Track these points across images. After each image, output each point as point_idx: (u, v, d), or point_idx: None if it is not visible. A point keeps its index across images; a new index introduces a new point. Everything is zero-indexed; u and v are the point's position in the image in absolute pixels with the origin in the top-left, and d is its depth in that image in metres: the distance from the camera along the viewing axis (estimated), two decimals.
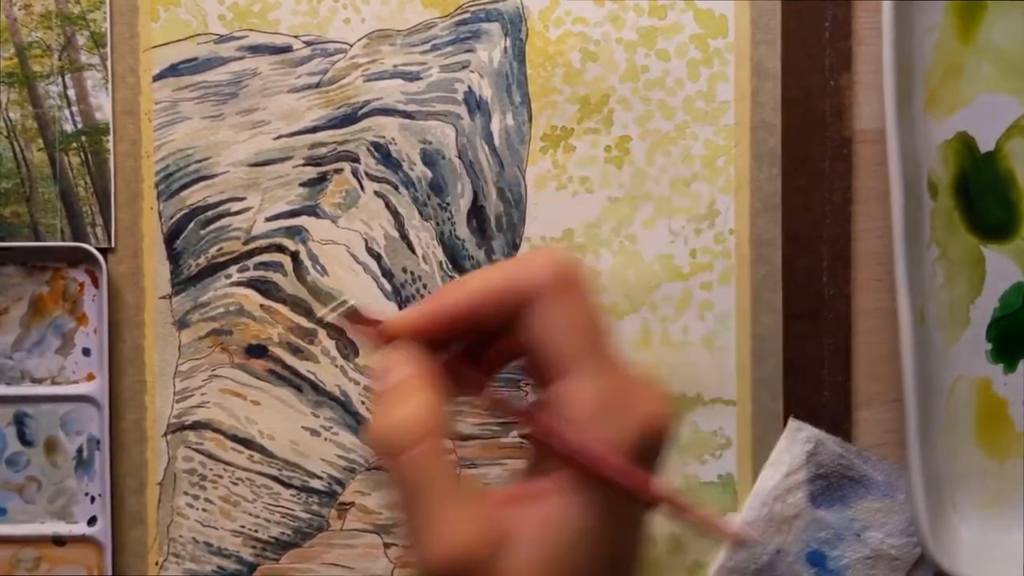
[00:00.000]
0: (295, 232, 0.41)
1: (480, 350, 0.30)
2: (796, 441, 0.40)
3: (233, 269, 0.41)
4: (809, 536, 0.41)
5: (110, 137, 0.41)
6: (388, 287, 0.41)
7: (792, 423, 0.41)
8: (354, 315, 0.33)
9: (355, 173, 0.41)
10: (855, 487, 0.41)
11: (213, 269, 0.41)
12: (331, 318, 0.33)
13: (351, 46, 0.41)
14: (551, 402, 0.28)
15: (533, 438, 0.28)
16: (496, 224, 0.41)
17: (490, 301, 0.28)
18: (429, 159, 0.41)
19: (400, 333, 0.29)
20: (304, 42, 0.41)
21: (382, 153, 0.41)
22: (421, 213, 0.41)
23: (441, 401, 0.28)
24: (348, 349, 0.41)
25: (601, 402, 0.27)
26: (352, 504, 0.42)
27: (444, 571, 0.27)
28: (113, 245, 0.42)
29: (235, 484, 0.42)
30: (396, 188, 0.41)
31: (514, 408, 0.30)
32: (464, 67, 0.41)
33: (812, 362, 0.41)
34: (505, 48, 0.41)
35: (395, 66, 0.41)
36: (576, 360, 0.27)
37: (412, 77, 0.41)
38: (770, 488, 0.41)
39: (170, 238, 0.41)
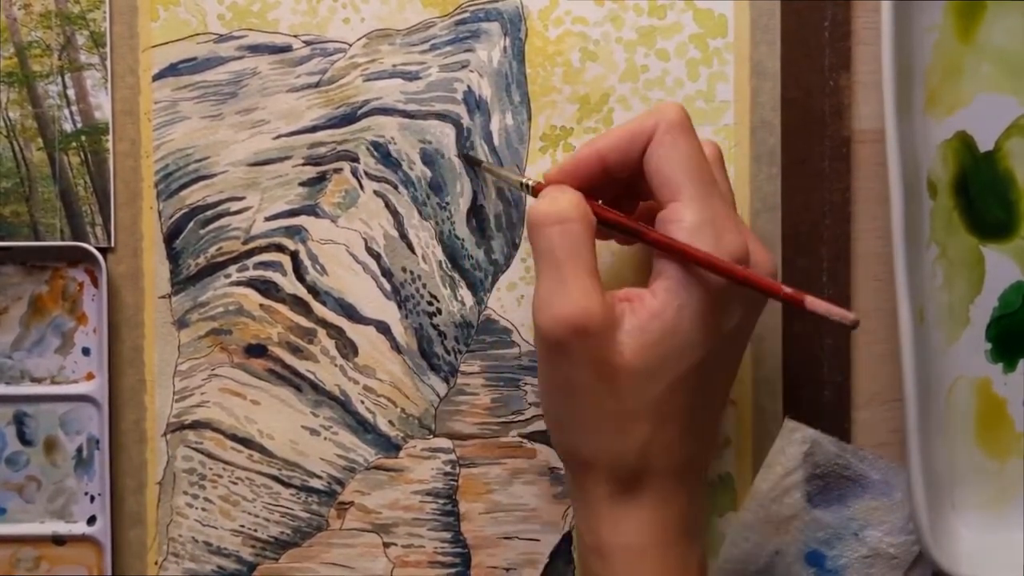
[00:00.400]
0: (294, 232, 0.41)
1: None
2: (792, 442, 0.40)
3: (232, 269, 0.41)
4: (807, 536, 0.41)
5: (110, 137, 0.41)
6: (387, 286, 0.41)
7: (788, 423, 0.41)
8: (538, 189, 0.36)
9: (354, 172, 0.41)
10: (852, 486, 0.41)
11: (212, 269, 0.41)
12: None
13: (350, 46, 0.41)
14: (661, 222, 0.33)
15: (650, 240, 0.33)
16: (495, 223, 0.41)
17: (622, 146, 0.34)
18: (428, 158, 0.41)
19: (557, 177, 0.35)
20: (304, 42, 0.41)
21: (381, 152, 0.41)
22: (420, 212, 0.41)
23: (589, 208, 0.34)
24: (347, 349, 0.41)
25: (700, 224, 0.32)
26: (351, 503, 0.42)
27: (566, 330, 0.32)
28: (113, 245, 0.42)
29: (234, 483, 0.42)
30: (395, 187, 0.41)
31: (632, 223, 0.34)
32: (464, 67, 0.41)
33: (812, 362, 0.41)
34: (505, 48, 0.41)
35: (394, 66, 0.41)
36: (680, 188, 0.33)
37: (411, 77, 0.41)
38: (767, 489, 0.41)
39: (170, 238, 0.41)
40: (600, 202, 0.35)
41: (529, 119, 0.41)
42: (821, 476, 0.41)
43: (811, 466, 0.41)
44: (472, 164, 0.41)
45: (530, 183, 0.37)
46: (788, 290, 0.32)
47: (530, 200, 0.37)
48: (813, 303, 0.31)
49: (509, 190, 0.41)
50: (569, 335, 0.32)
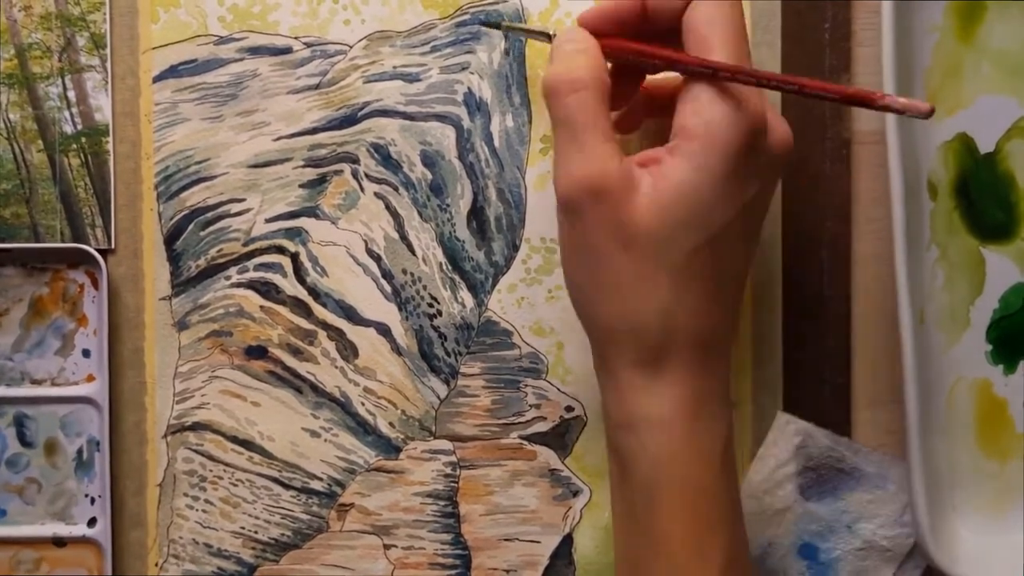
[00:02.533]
0: (295, 233, 0.41)
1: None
2: (785, 434, 0.40)
3: (233, 270, 0.41)
4: (800, 529, 0.41)
5: (110, 138, 0.41)
6: (388, 288, 0.41)
7: (780, 416, 0.41)
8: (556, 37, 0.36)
9: (355, 174, 0.41)
10: (845, 479, 0.41)
11: (213, 270, 0.41)
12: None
13: (351, 47, 0.41)
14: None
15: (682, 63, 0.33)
16: (496, 225, 0.41)
17: None
18: (429, 160, 0.41)
19: (590, 23, 0.35)
20: (304, 43, 0.41)
21: (382, 154, 0.41)
22: (421, 214, 0.41)
23: (606, 67, 0.34)
24: (348, 350, 0.41)
25: (722, 88, 0.32)
26: (352, 505, 0.42)
27: (584, 192, 0.33)
28: (113, 246, 0.42)
29: (235, 485, 0.42)
30: (396, 189, 0.41)
31: (664, 53, 0.34)
32: (464, 68, 0.41)
33: (812, 363, 0.41)
34: (505, 50, 0.41)
35: (395, 67, 0.41)
36: (717, 48, 0.32)
37: (412, 78, 0.41)
38: (759, 481, 0.41)
39: (170, 239, 0.41)
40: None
41: (529, 121, 0.41)
42: (814, 468, 0.41)
43: (804, 458, 0.41)
44: (492, 26, 0.40)
45: (552, 33, 0.36)
46: (855, 87, 0.32)
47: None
48: (886, 97, 0.31)
49: (509, 191, 0.41)
50: (587, 197, 0.33)
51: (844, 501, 0.41)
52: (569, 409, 0.41)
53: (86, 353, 0.42)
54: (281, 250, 0.41)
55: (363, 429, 0.42)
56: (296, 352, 0.41)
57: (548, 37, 0.37)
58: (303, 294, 0.41)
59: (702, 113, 0.32)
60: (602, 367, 0.35)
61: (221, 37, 0.41)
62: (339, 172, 0.41)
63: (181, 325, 0.42)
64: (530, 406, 0.41)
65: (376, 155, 0.41)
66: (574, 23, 0.36)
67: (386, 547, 0.42)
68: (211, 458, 0.42)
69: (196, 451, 0.42)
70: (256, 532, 0.42)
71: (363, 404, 0.42)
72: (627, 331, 0.34)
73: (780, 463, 0.41)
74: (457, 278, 0.41)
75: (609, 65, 0.35)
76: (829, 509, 0.41)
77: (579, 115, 0.33)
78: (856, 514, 0.41)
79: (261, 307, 0.41)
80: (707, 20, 0.33)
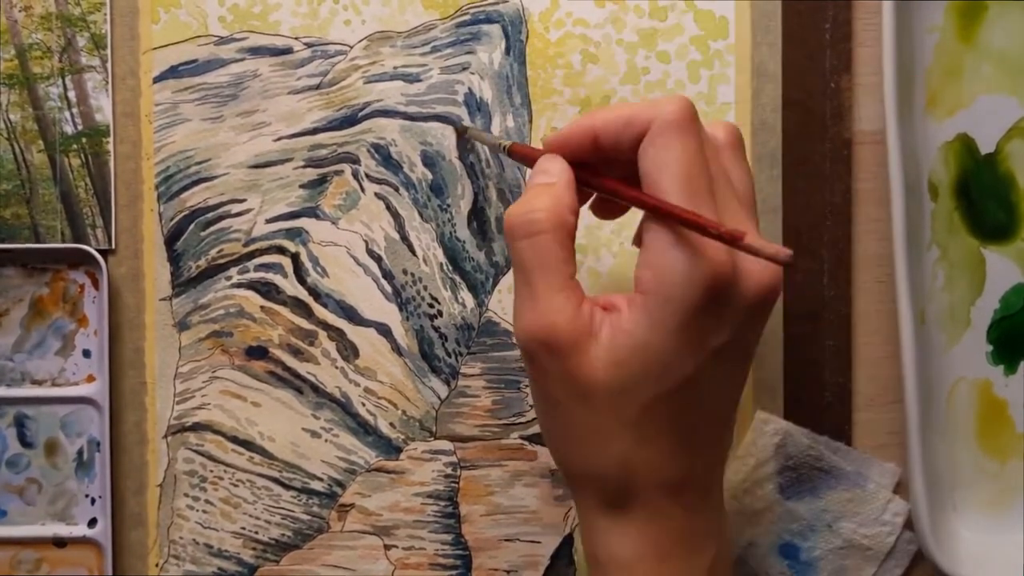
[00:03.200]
0: (295, 234, 0.41)
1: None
2: (763, 433, 0.40)
3: (233, 271, 0.41)
4: (780, 528, 0.41)
5: (110, 139, 0.41)
6: (388, 288, 0.41)
7: (759, 415, 0.41)
8: (514, 148, 0.36)
9: (355, 175, 0.41)
10: (825, 478, 0.41)
11: (213, 271, 0.41)
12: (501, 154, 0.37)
13: (351, 48, 0.41)
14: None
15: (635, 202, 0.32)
16: (496, 226, 0.41)
17: (614, 129, 0.32)
18: (429, 161, 0.41)
19: (552, 146, 0.34)
20: (304, 44, 0.41)
21: (382, 155, 0.41)
22: (421, 215, 0.41)
23: (575, 206, 0.33)
24: (348, 351, 0.41)
25: (679, 238, 0.30)
26: (352, 506, 0.42)
27: (535, 344, 0.32)
28: (113, 247, 0.42)
29: (235, 486, 0.42)
30: (396, 190, 0.41)
31: (646, 198, 0.32)
32: (464, 69, 0.41)
33: (813, 364, 0.41)
34: (505, 50, 0.41)
35: (395, 68, 0.41)
36: (669, 195, 0.30)
37: (412, 79, 0.41)
38: (739, 481, 0.41)
39: (170, 240, 0.41)
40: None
41: (530, 121, 0.41)
42: (794, 468, 0.41)
43: (783, 458, 0.40)
44: (459, 133, 0.40)
45: (505, 145, 0.36)
46: (726, 227, 0.29)
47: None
48: (751, 240, 0.28)
49: (510, 192, 0.41)
50: (540, 348, 0.32)
51: (824, 500, 0.41)
52: None
53: (86, 353, 0.42)
54: (282, 250, 0.41)
55: (363, 429, 0.42)
56: (296, 352, 0.41)
57: (500, 147, 0.36)
58: (304, 294, 0.41)
59: (655, 265, 0.30)
60: (574, 502, 0.35)
61: (221, 37, 0.41)
62: (340, 172, 0.41)
63: (182, 325, 0.42)
64: (530, 406, 0.41)
65: (376, 155, 0.41)
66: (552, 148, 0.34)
67: (387, 547, 0.42)
68: (211, 458, 0.42)
69: (196, 451, 0.42)
70: (256, 532, 0.42)
71: (364, 404, 0.42)
72: (588, 476, 0.33)
73: (760, 463, 0.41)
74: (458, 278, 0.41)
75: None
76: (809, 508, 0.41)
77: (533, 261, 0.32)
78: (836, 513, 0.41)
79: (262, 307, 0.41)
80: (656, 166, 0.31)
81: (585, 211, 0.41)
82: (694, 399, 0.32)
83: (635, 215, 0.33)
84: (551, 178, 0.33)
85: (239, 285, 0.41)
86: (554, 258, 0.32)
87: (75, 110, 0.41)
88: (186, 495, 0.42)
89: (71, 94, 0.41)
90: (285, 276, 0.41)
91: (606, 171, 0.33)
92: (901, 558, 0.41)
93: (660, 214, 0.30)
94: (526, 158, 0.36)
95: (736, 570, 0.41)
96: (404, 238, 0.41)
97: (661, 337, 0.30)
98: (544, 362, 0.32)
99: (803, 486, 0.41)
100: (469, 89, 0.41)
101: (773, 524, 0.41)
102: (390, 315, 0.41)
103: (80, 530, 0.42)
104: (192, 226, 0.41)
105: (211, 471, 0.42)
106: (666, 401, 0.31)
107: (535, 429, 0.41)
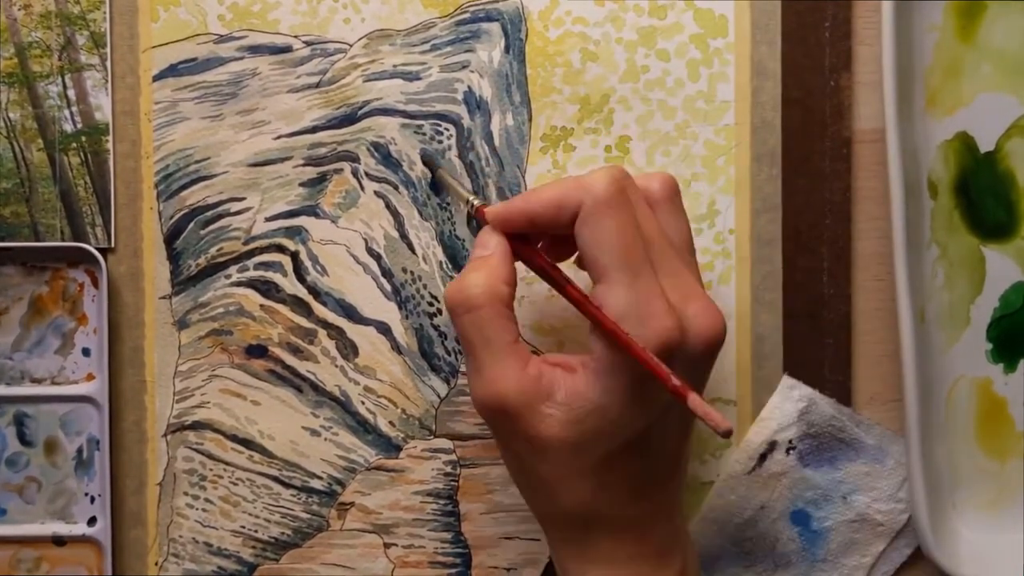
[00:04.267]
0: (295, 232, 0.41)
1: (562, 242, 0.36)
2: (789, 398, 0.40)
3: (233, 269, 0.41)
4: (795, 495, 0.41)
5: (110, 137, 0.41)
6: (388, 287, 0.41)
7: (786, 380, 0.41)
8: (480, 211, 0.36)
9: (355, 173, 0.41)
10: (845, 449, 0.41)
11: (213, 269, 0.41)
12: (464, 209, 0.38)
13: (351, 46, 0.41)
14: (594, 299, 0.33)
15: (581, 307, 0.33)
16: None
17: (548, 213, 0.33)
18: (429, 159, 0.41)
19: (490, 220, 0.35)
20: (304, 42, 0.41)
21: (382, 153, 0.41)
22: (421, 213, 0.41)
23: (510, 277, 0.34)
24: (348, 349, 0.41)
25: (623, 310, 0.32)
26: (352, 504, 0.42)
27: (488, 411, 0.34)
28: (113, 245, 0.42)
29: (235, 484, 0.42)
30: (396, 188, 0.41)
31: (571, 290, 0.34)
32: (464, 67, 0.41)
33: (812, 362, 0.41)
34: (505, 48, 0.41)
35: (395, 66, 0.41)
36: (604, 272, 0.32)
37: (412, 77, 0.41)
38: (758, 443, 0.41)
39: (170, 238, 0.41)
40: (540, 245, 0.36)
41: (530, 119, 0.41)
42: (815, 436, 0.41)
43: (806, 424, 0.40)
44: (431, 168, 0.41)
45: (474, 204, 0.37)
46: (676, 382, 0.31)
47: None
48: (694, 401, 0.31)
49: (509, 190, 0.41)
50: (493, 415, 0.34)
51: (841, 471, 0.41)
52: None
53: (86, 352, 0.42)
54: (281, 249, 0.41)
55: (363, 428, 0.42)
56: (296, 351, 0.41)
57: (468, 203, 0.37)
58: (303, 293, 0.41)
59: (604, 338, 0.32)
60: (544, 533, 0.37)
61: (221, 36, 0.41)
62: (339, 171, 0.41)
63: (181, 324, 0.42)
64: None
65: (376, 154, 0.41)
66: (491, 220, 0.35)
67: (386, 546, 0.42)
68: (211, 457, 0.42)
69: (196, 450, 0.42)
70: (256, 531, 0.42)
71: (363, 403, 0.41)
72: (553, 516, 0.36)
73: (782, 426, 0.40)
74: (457, 277, 0.41)
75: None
76: (826, 478, 0.41)
77: (475, 335, 0.33)
78: (852, 485, 0.41)
79: (261, 306, 0.41)
80: (592, 244, 0.32)
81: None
82: (648, 446, 0.34)
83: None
84: (486, 251, 0.35)
85: (239, 283, 0.41)
86: (494, 329, 0.33)
87: (74, 108, 0.41)
88: (186, 493, 0.42)
89: (70, 92, 0.41)
90: (285, 274, 0.41)
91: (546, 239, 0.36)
92: (911, 538, 0.41)
93: (606, 333, 0.32)
94: (480, 220, 0.37)
95: (745, 531, 0.41)
96: (404, 236, 0.41)
97: (615, 399, 0.32)
98: (501, 425, 0.34)
99: (822, 455, 0.41)
100: (469, 87, 0.41)
101: (788, 490, 0.41)
102: (390, 313, 0.41)
103: (80, 529, 0.42)
104: (192, 224, 0.41)
105: (211, 469, 0.42)
106: (621, 452, 0.33)
107: None
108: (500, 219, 0.35)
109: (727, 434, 0.30)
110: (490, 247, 0.35)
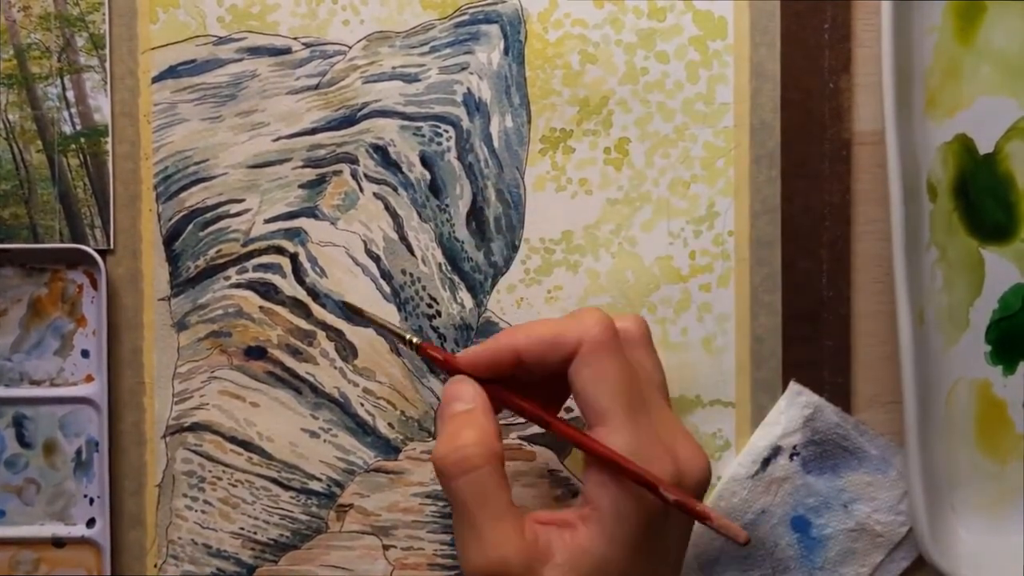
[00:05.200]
0: (294, 234, 0.41)
1: (543, 383, 0.35)
2: (795, 404, 0.40)
3: (232, 271, 0.41)
4: (796, 501, 0.41)
5: (109, 139, 0.41)
6: (387, 289, 0.41)
7: (793, 386, 0.41)
8: (423, 347, 0.36)
9: (354, 175, 0.41)
10: (848, 458, 0.41)
11: (212, 271, 0.41)
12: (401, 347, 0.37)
13: (350, 48, 0.41)
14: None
15: (576, 443, 0.33)
16: (495, 226, 0.41)
17: (539, 350, 0.32)
18: (428, 161, 0.41)
19: (465, 368, 0.34)
20: (303, 44, 0.41)
21: (381, 155, 0.41)
22: (420, 215, 0.41)
23: (498, 430, 0.33)
24: (347, 351, 0.41)
25: (629, 454, 0.31)
26: (351, 506, 0.42)
27: None
28: (112, 247, 0.42)
29: (234, 486, 0.42)
30: (395, 190, 0.41)
31: (568, 429, 0.33)
32: (463, 69, 0.41)
33: (811, 364, 0.41)
34: (504, 50, 0.41)
35: (394, 68, 0.41)
36: (606, 415, 0.32)
37: (411, 79, 0.41)
38: (763, 447, 0.41)
39: (169, 240, 0.41)
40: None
41: (529, 121, 0.41)
42: (818, 443, 0.41)
43: (810, 431, 0.40)
44: (354, 313, 0.40)
45: (415, 342, 0.36)
46: (698, 506, 0.32)
47: (449, 388, 0.35)
48: (719, 520, 0.31)
49: (508, 192, 0.41)
50: None
51: (843, 480, 0.41)
52: (568, 410, 0.41)
53: (85, 353, 0.42)
54: (280, 250, 0.41)
55: (362, 430, 0.42)
56: (295, 353, 0.41)
57: (406, 342, 0.36)
58: (302, 294, 0.41)
59: (606, 484, 0.32)
60: None
61: (220, 37, 0.41)
62: (338, 172, 0.41)
63: (180, 326, 0.42)
64: None
65: (375, 155, 0.41)
66: (461, 374, 0.34)
67: (385, 548, 0.42)
68: (210, 459, 0.42)
69: (195, 452, 0.42)
70: (255, 533, 0.42)
71: (362, 405, 0.41)
72: None
73: (787, 432, 0.40)
74: (456, 279, 0.41)
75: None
76: (827, 485, 0.41)
77: (473, 499, 0.32)
78: (853, 494, 0.41)
79: (260, 308, 0.41)
80: (593, 387, 0.32)
81: (583, 210, 0.41)
82: (653, 566, 0.33)
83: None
84: (468, 404, 0.33)
85: (238, 285, 0.41)
86: (492, 490, 0.32)
87: (74, 110, 0.41)
88: (185, 495, 0.42)
89: (70, 94, 0.41)
90: (284, 276, 0.41)
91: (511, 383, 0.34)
92: (909, 550, 0.41)
93: (615, 467, 0.32)
94: (434, 361, 0.36)
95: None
96: (403, 238, 0.41)
97: (619, 550, 0.32)
98: None
99: (825, 462, 0.41)
100: (468, 89, 0.41)
101: (789, 495, 0.41)
102: (389, 315, 0.41)
103: (78, 530, 0.42)
104: (191, 226, 0.41)
105: (210, 471, 0.42)
106: None
107: (533, 430, 0.41)
108: (481, 363, 0.34)
109: (746, 542, 0.31)
110: (468, 399, 0.34)
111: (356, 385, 0.41)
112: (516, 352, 0.33)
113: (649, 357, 0.35)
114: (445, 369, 0.35)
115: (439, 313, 0.41)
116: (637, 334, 0.35)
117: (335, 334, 0.41)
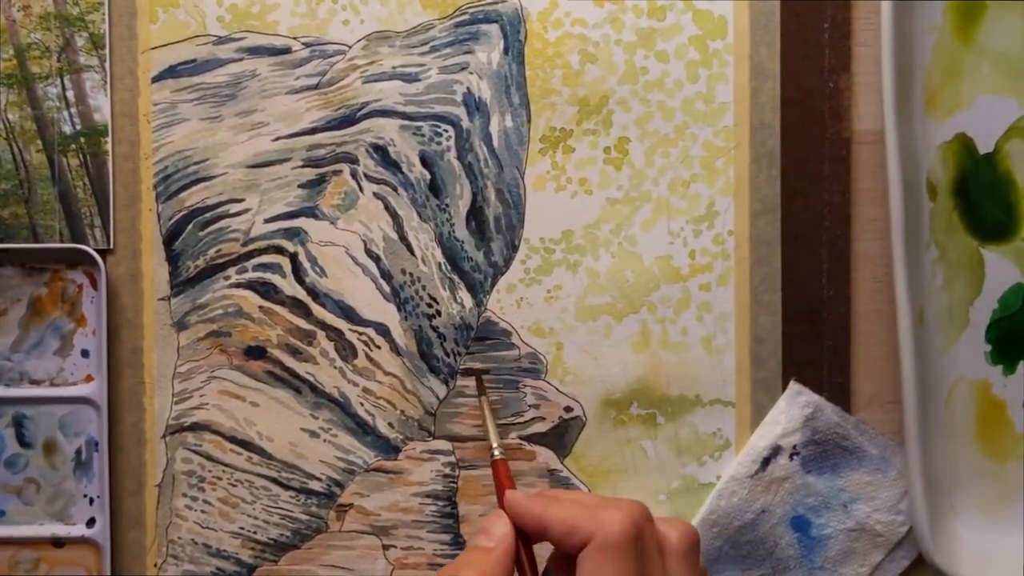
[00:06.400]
0: (294, 234, 0.41)
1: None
2: (795, 404, 0.40)
3: (232, 271, 0.41)
4: (796, 500, 0.41)
5: (109, 139, 0.41)
6: (387, 288, 0.41)
7: (793, 386, 0.41)
8: (497, 464, 0.37)
9: (354, 174, 0.41)
10: (848, 458, 0.41)
11: (212, 271, 0.41)
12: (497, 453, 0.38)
13: (350, 47, 0.41)
14: None
15: None
16: (495, 225, 0.41)
17: (563, 528, 0.33)
18: (428, 160, 0.41)
19: (506, 508, 0.34)
20: (303, 43, 0.41)
21: (381, 154, 0.41)
22: (420, 214, 0.41)
23: (502, 574, 0.33)
24: (346, 351, 0.41)
25: None
26: (351, 506, 0.42)
27: None
28: (112, 247, 0.42)
29: (234, 486, 0.42)
30: (395, 189, 0.41)
31: None
32: (463, 68, 0.41)
33: (811, 364, 0.41)
34: (504, 49, 0.41)
35: (394, 67, 0.41)
36: None
37: (411, 78, 0.41)
38: (763, 447, 0.41)
39: (169, 240, 0.41)
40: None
41: (529, 121, 0.41)
42: (818, 443, 0.41)
43: (810, 431, 0.40)
44: (477, 384, 0.41)
45: (495, 456, 0.37)
46: None
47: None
48: None
49: (508, 191, 0.41)
50: None
51: (843, 479, 0.41)
52: (568, 409, 0.41)
53: (85, 353, 0.42)
54: (280, 250, 0.41)
55: (362, 429, 0.42)
56: (295, 352, 0.41)
57: (491, 455, 0.37)
58: (302, 294, 0.41)
59: None
60: None
61: (220, 37, 0.41)
62: (338, 172, 0.41)
63: (180, 325, 0.42)
64: (529, 406, 0.41)
65: (375, 155, 0.41)
66: (500, 509, 0.35)
67: (385, 547, 0.42)
68: (210, 458, 0.42)
69: (195, 451, 0.42)
70: (255, 532, 0.42)
71: (362, 404, 0.41)
72: None
73: (787, 431, 0.40)
74: (456, 278, 0.41)
75: None
76: (827, 485, 0.41)
77: None
78: (853, 494, 0.41)
79: (260, 307, 0.41)
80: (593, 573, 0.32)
81: (585, 210, 0.41)
82: None
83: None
84: (490, 543, 0.34)
85: (237, 285, 0.41)
86: None
87: (73, 110, 0.41)
88: (184, 495, 0.42)
89: (69, 94, 0.41)
90: (283, 276, 0.41)
91: None
92: (909, 550, 0.41)
93: None
94: (498, 483, 0.36)
95: (745, 534, 0.41)
96: (403, 238, 0.41)
97: None
98: None
99: (825, 462, 0.41)
100: (468, 89, 0.41)
101: (789, 495, 0.41)
102: (388, 315, 0.41)
103: (78, 530, 0.42)
104: (190, 226, 0.41)
105: (209, 471, 0.42)
106: None
107: (533, 429, 0.41)
108: (515, 512, 0.34)
109: None
110: (495, 538, 0.34)
111: (356, 385, 0.41)
112: (543, 524, 0.33)
113: (686, 570, 0.34)
114: (497, 494, 0.36)
115: (439, 313, 0.41)
116: (678, 545, 0.33)
117: (335, 334, 0.41)
